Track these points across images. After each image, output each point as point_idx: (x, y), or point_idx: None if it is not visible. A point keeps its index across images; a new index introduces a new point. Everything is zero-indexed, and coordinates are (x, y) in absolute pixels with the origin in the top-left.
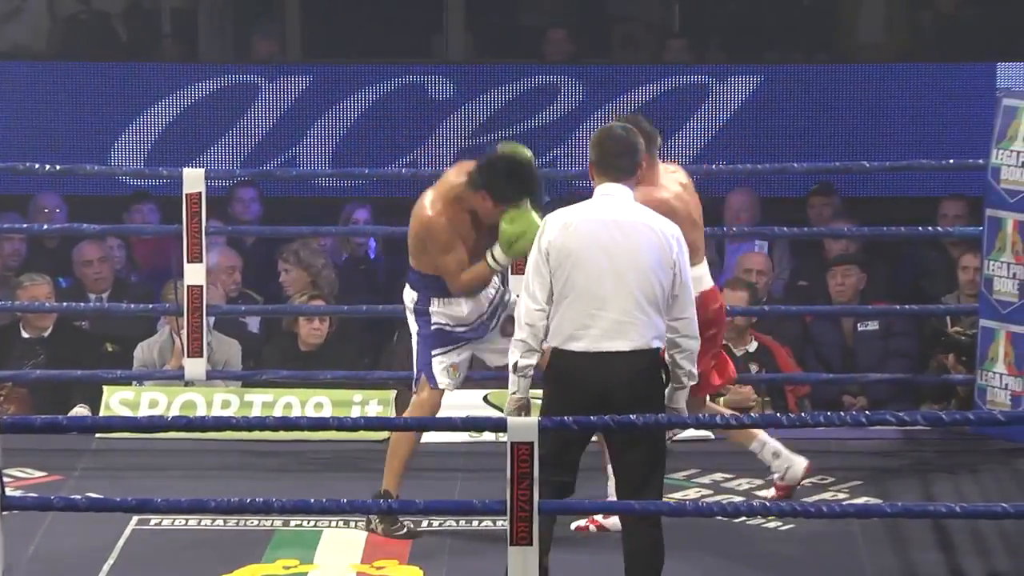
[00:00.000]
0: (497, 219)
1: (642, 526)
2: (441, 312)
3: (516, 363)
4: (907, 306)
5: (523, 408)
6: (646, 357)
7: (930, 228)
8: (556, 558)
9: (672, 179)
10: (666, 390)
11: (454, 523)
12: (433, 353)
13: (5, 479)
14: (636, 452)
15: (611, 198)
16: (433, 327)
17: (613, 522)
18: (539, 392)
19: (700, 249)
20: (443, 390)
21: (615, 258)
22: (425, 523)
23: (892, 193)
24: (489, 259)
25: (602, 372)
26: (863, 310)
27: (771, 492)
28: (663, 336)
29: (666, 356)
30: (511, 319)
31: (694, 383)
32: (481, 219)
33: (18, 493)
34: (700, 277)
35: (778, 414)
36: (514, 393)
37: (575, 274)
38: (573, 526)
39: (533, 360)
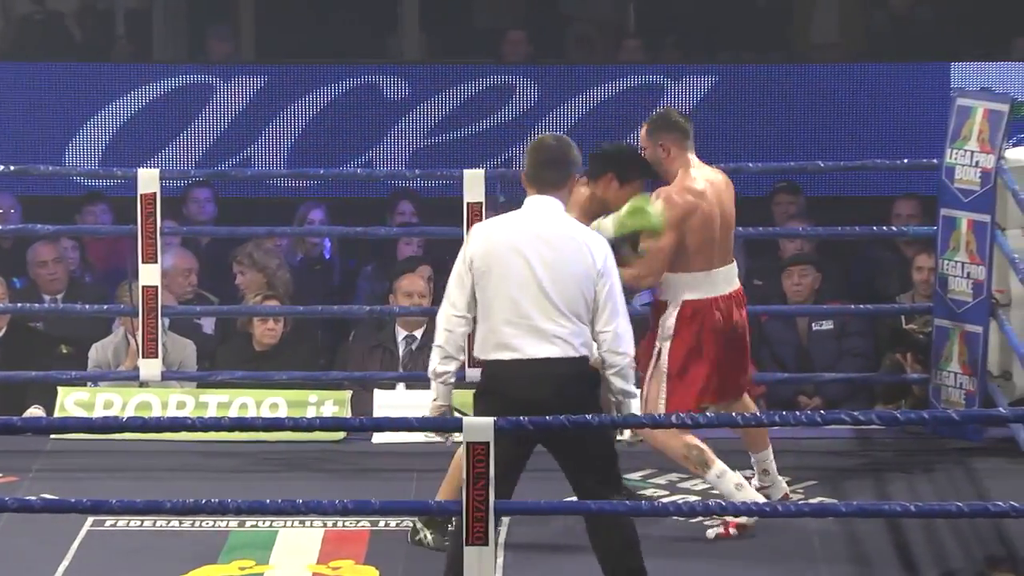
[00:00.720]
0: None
1: (613, 525)
2: None
3: (435, 369)
4: (862, 306)
5: (445, 415)
6: (574, 365)
7: (884, 228)
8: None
9: (703, 176)
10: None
11: (410, 523)
12: None
13: None
14: (585, 454)
15: (537, 210)
16: None
17: (749, 520)
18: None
19: (725, 252)
20: None
21: (538, 268)
22: (382, 523)
23: (847, 193)
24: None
25: (532, 380)
26: (818, 310)
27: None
28: (590, 344)
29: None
30: None
31: (633, 399)
32: (611, 207)
33: None
34: (727, 277)
35: (733, 414)
36: (435, 400)
37: (500, 284)
38: (712, 534)
39: (451, 367)
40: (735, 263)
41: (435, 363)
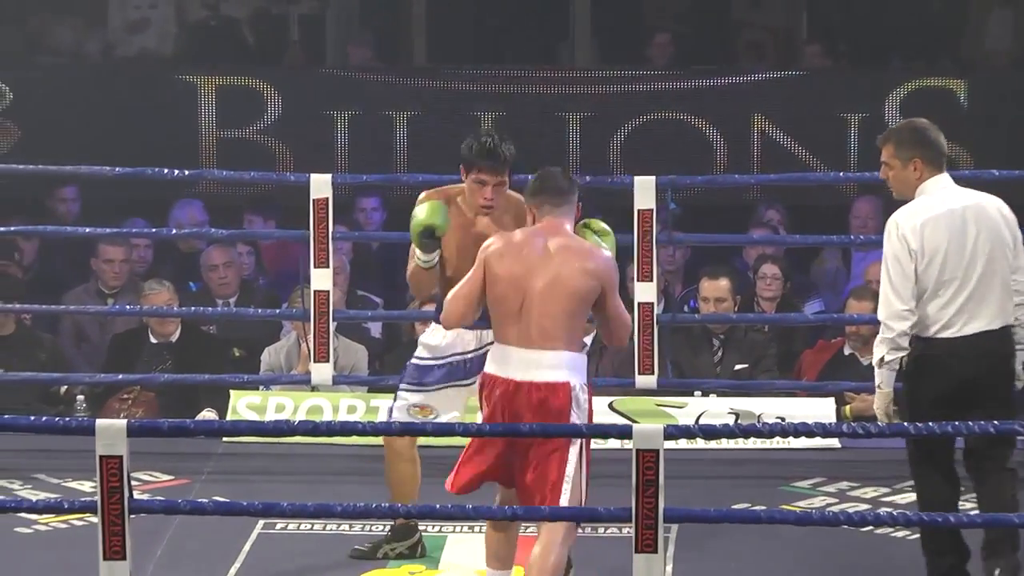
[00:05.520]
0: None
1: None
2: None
3: (883, 358)
4: None
5: (890, 401)
6: (1004, 335)
7: None
8: None
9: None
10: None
11: (580, 530)
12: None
13: (133, 483)
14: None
15: (947, 189)
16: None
17: None
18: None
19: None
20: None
21: (969, 244)
22: None
23: None
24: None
25: (973, 355)
26: None
27: None
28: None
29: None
30: None
31: None
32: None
33: (146, 496)
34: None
35: (905, 424)
36: (880, 386)
37: (943, 266)
38: None
39: (900, 356)
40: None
41: (883, 352)
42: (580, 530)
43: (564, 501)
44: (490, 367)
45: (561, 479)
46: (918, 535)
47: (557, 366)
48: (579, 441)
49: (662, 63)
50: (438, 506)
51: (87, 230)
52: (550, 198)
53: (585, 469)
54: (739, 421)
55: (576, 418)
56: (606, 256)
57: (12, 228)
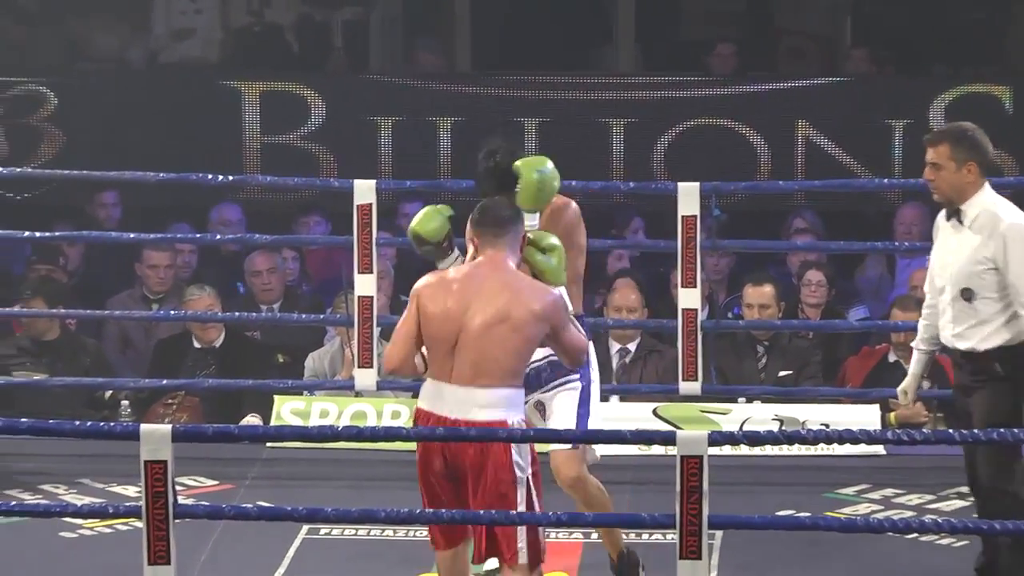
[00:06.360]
0: None
1: None
2: None
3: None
4: None
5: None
6: None
7: None
8: None
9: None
10: None
11: (624, 536)
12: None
13: (177, 488)
14: None
15: (999, 197)
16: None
17: None
18: None
19: None
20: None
21: None
22: (595, 535)
23: None
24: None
25: None
26: None
27: None
28: None
29: None
30: None
31: None
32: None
33: (190, 501)
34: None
35: (950, 430)
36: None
37: None
38: None
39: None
40: None
41: None
42: (624, 535)
43: (521, 539)
44: (423, 403)
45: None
46: (964, 542)
47: (494, 404)
48: (525, 482)
49: (706, 69)
50: (483, 512)
51: (131, 235)
52: (491, 228)
53: (538, 506)
54: (783, 428)
55: (517, 455)
56: (553, 295)
57: (58, 233)
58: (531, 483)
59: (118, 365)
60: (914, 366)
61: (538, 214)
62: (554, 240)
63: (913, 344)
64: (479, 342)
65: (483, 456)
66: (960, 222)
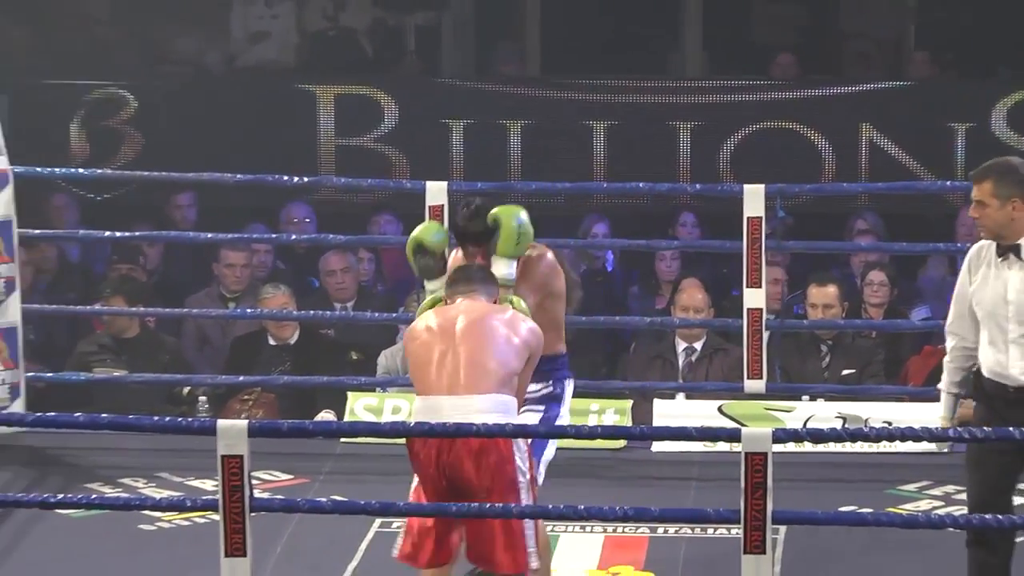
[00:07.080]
0: None
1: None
2: None
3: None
4: None
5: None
6: None
7: None
8: None
9: None
10: None
11: (688, 531)
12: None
13: (253, 482)
14: None
15: None
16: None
17: None
18: None
19: None
20: None
21: None
22: (660, 530)
23: None
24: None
25: None
26: None
27: None
28: None
29: None
30: None
31: None
32: None
33: (266, 495)
34: None
35: (1011, 428)
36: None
37: None
38: None
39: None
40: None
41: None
42: (689, 530)
43: (531, 543)
44: (420, 419)
45: (521, 531)
46: (1022, 539)
47: (490, 410)
48: (525, 487)
49: (772, 74)
50: (550, 506)
51: (209, 235)
52: (461, 286)
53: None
54: (846, 425)
55: (519, 460)
56: (535, 327)
57: (138, 233)
58: (531, 486)
59: (196, 362)
60: (945, 411)
61: (515, 262)
62: (523, 305)
63: (942, 387)
64: (472, 352)
65: (483, 461)
66: (1019, 257)
